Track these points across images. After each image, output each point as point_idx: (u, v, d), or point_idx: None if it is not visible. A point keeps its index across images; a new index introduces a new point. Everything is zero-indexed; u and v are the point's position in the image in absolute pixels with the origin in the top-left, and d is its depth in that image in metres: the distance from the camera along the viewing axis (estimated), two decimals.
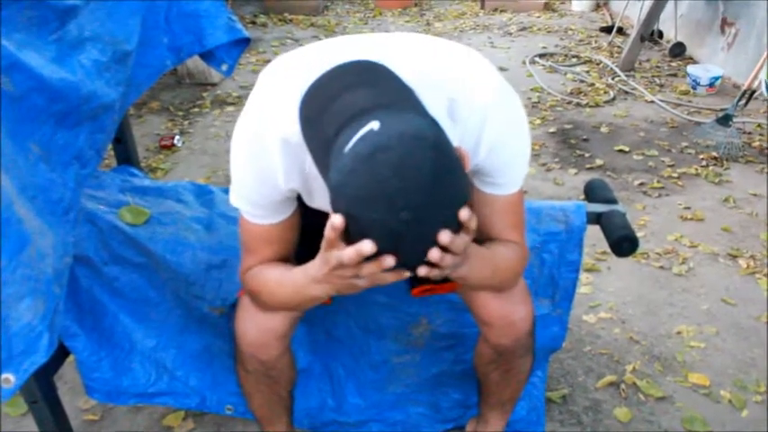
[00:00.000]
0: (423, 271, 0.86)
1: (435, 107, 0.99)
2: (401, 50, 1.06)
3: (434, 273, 0.88)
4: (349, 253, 0.84)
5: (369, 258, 0.83)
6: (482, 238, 1.19)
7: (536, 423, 1.73)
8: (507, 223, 1.18)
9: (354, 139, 0.81)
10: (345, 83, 0.89)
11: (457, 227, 0.85)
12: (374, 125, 0.80)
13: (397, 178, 0.77)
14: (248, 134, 1.07)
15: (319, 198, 1.12)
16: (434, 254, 0.83)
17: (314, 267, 1.00)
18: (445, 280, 1.09)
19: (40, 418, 1.48)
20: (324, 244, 0.91)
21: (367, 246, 0.81)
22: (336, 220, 0.82)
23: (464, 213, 0.83)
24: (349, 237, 0.84)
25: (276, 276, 1.15)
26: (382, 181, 0.78)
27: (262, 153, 1.05)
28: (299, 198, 1.16)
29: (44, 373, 1.43)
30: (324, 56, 1.02)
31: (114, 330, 1.60)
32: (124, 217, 1.52)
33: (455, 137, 1.03)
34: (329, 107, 0.88)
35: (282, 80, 1.06)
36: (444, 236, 0.82)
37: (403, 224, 0.79)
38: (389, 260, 0.83)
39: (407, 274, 0.88)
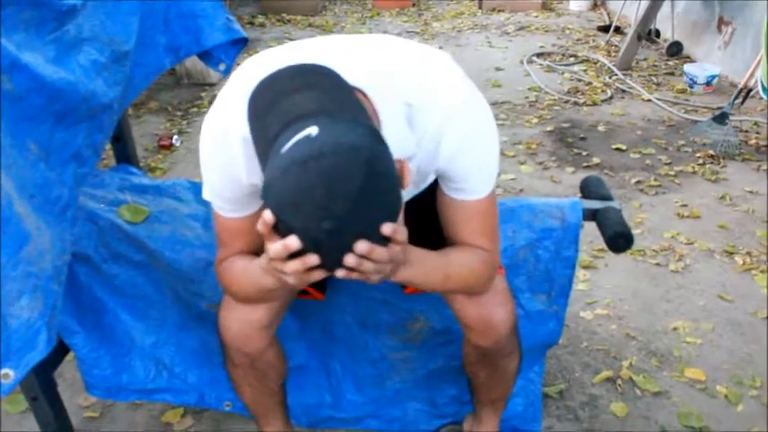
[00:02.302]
0: (340, 273, 0.87)
1: (392, 111, 1.00)
2: (365, 53, 1.07)
3: (354, 276, 0.88)
4: (276, 247, 0.85)
5: (295, 255, 0.85)
6: (450, 240, 1.20)
7: (533, 418, 1.74)
8: (474, 229, 1.18)
9: (291, 141, 0.81)
10: (292, 84, 0.90)
11: (381, 239, 0.85)
12: (312, 131, 0.81)
13: (325, 188, 0.78)
14: (213, 131, 1.09)
15: None
16: (350, 259, 0.84)
17: (262, 258, 1.02)
18: None
19: (41, 415, 1.49)
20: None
21: (292, 242, 0.82)
22: (267, 216, 0.83)
23: (387, 229, 0.84)
24: (279, 233, 0.85)
25: (241, 267, 1.18)
26: (310, 188, 0.78)
27: (225, 150, 1.07)
28: None
29: (44, 370, 1.44)
30: (292, 57, 1.02)
31: (114, 327, 1.61)
32: (123, 215, 1.54)
33: (412, 142, 1.04)
34: (274, 107, 0.88)
35: (244, 80, 1.07)
36: (361, 246, 0.83)
37: (324, 233, 0.80)
38: (312, 259, 0.84)
39: (337, 275, 0.88)
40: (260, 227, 0.86)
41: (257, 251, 1.21)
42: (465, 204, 1.15)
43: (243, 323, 1.32)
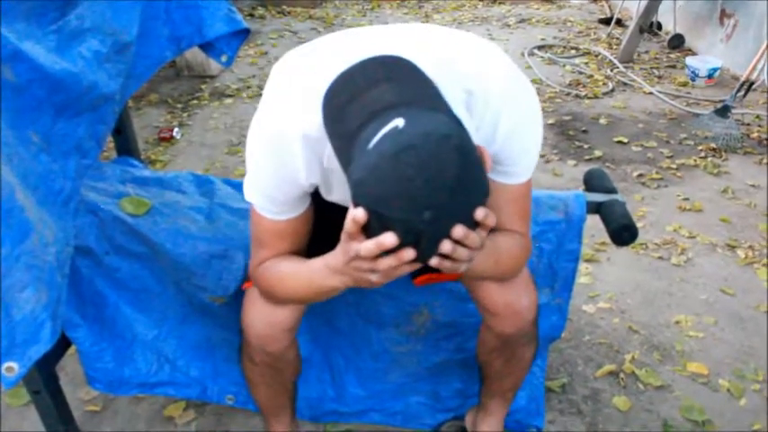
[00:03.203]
0: (434, 261, 0.87)
1: (454, 100, 1.00)
2: (419, 43, 1.05)
3: (446, 264, 0.88)
4: (368, 245, 0.84)
5: (387, 252, 0.84)
6: None
7: (536, 412, 1.74)
8: (514, 213, 1.19)
9: (379, 135, 0.80)
10: (370, 77, 0.89)
11: (474, 224, 0.85)
12: (399, 122, 0.80)
13: (422, 179, 0.77)
14: (268, 131, 1.07)
15: (337, 192, 1.12)
16: (446, 246, 0.84)
17: (333, 258, 1.01)
18: None
19: (43, 409, 1.49)
20: (343, 235, 0.91)
21: (389, 239, 0.81)
22: (359, 214, 0.82)
23: (480, 213, 0.84)
24: (369, 230, 0.84)
25: (291, 269, 1.16)
26: (406, 181, 0.78)
27: (283, 150, 1.05)
28: (313, 192, 1.16)
29: (46, 364, 1.43)
30: (339, 51, 1.02)
31: (116, 321, 1.61)
32: (125, 208, 1.52)
33: (471, 129, 1.04)
34: (354, 101, 0.87)
35: (298, 75, 1.06)
36: (458, 231, 0.83)
37: (424, 223, 0.80)
38: (410, 253, 0.83)
39: (430, 263, 0.88)
40: (349, 226, 0.85)
41: (298, 252, 1.20)
42: (508, 188, 1.16)
43: (267, 324, 1.31)
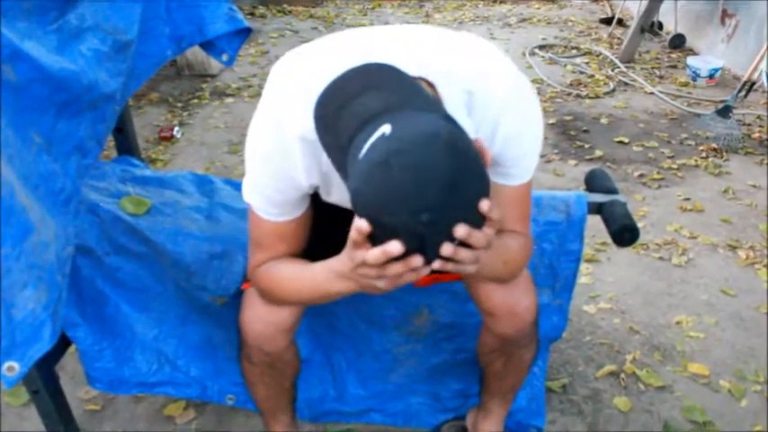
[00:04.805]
0: (437, 264, 0.86)
1: (453, 100, 0.99)
2: (419, 44, 1.05)
3: (449, 266, 0.87)
4: (375, 253, 0.83)
5: (394, 259, 0.83)
6: None
7: (536, 412, 1.73)
8: (515, 214, 1.18)
9: (368, 144, 0.80)
10: (356, 88, 0.89)
11: (480, 221, 0.84)
12: (386, 129, 0.80)
13: (414, 181, 0.77)
14: (266, 132, 1.07)
15: (336, 193, 1.12)
16: (446, 249, 0.83)
17: (339, 263, 1.00)
18: None
19: (42, 408, 1.48)
20: (349, 243, 0.90)
21: (395, 247, 0.81)
22: (362, 225, 0.82)
23: (484, 205, 0.82)
24: (374, 238, 0.84)
25: (292, 272, 1.15)
26: (399, 186, 0.77)
27: (282, 151, 1.05)
28: (312, 193, 1.16)
29: (46, 363, 1.43)
30: (337, 53, 1.02)
31: (116, 320, 1.60)
32: (125, 207, 1.52)
33: (470, 129, 1.03)
34: (341, 113, 0.87)
35: (297, 78, 1.06)
36: (460, 230, 0.81)
37: (424, 225, 0.79)
38: (417, 260, 0.83)
39: (433, 267, 0.87)
40: (353, 235, 0.85)
41: (296, 254, 1.20)
42: (508, 189, 1.15)
43: (266, 324, 1.30)
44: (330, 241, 1.02)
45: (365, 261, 0.86)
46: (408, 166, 0.77)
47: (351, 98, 0.88)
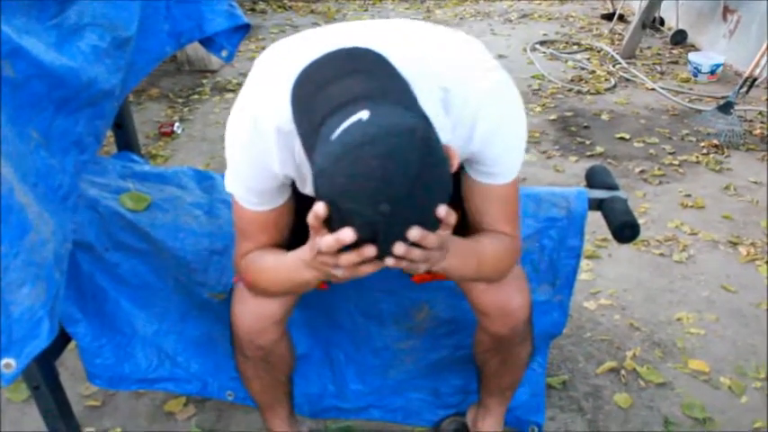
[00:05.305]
0: (390, 262, 0.86)
1: (428, 97, 0.98)
2: (397, 38, 1.05)
3: (403, 264, 0.87)
4: (327, 240, 0.84)
5: (350, 247, 0.83)
6: (474, 227, 1.19)
7: (536, 409, 1.73)
8: (499, 214, 1.17)
9: (342, 126, 0.80)
10: (338, 69, 0.88)
11: (435, 223, 0.84)
12: (363, 115, 0.80)
13: (382, 171, 0.77)
14: (244, 122, 1.07)
15: (311, 185, 1.11)
16: (399, 248, 0.83)
17: (303, 252, 1.01)
18: None
19: (43, 404, 1.49)
20: (310, 229, 0.90)
21: (347, 234, 0.81)
22: (319, 209, 0.82)
23: (441, 210, 0.83)
24: (331, 223, 0.84)
25: (271, 262, 1.16)
26: (367, 172, 0.77)
27: (257, 140, 1.05)
28: (292, 184, 1.16)
29: (46, 359, 1.43)
30: (318, 43, 1.01)
31: (116, 316, 1.60)
32: (125, 203, 1.52)
33: (447, 127, 1.03)
34: (320, 92, 0.87)
35: (276, 68, 1.06)
36: (414, 232, 0.82)
37: (381, 216, 0.79)
38: (370, 250, 0.83)
39: (386, 264, 0.87)
40: (311, 220, 0.85)
41: (280, 244, 1.20)
42: (492, 189, 1.15)
43: (256, 316, 1.30)
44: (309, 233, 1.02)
45: (320, 249, 0.86)
46: (380, 155, 0.77)
47: (333, 78, 0.87)
